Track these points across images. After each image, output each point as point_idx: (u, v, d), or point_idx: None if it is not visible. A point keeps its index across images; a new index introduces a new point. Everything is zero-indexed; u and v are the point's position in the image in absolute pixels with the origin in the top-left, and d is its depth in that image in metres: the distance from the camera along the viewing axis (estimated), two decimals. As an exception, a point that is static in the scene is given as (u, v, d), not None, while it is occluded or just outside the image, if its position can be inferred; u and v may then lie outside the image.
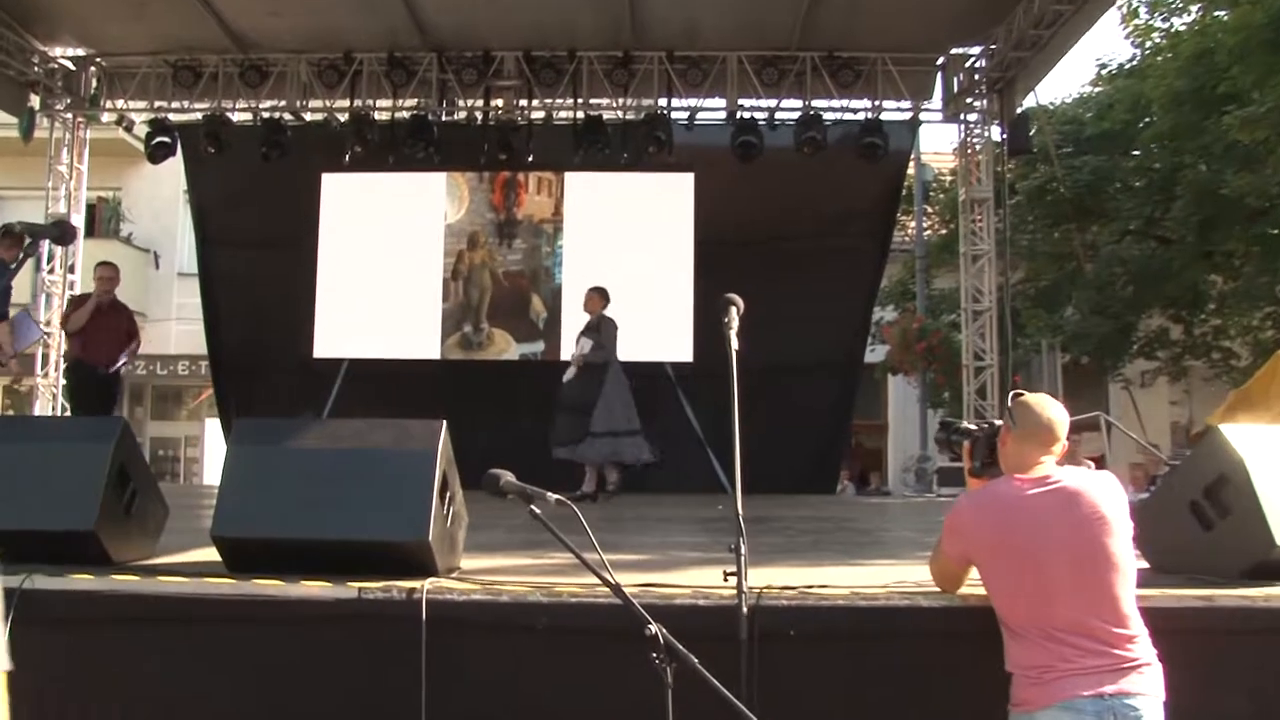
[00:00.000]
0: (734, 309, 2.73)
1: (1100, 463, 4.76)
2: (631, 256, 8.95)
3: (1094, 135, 12.13)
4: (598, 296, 7.14)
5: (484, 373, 8.82)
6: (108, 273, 7.17)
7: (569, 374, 6.91)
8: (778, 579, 2.83)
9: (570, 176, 9.14)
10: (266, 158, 8.68)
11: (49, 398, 9.37)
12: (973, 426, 2.75)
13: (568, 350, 8.91)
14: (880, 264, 9.07)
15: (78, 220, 9.48)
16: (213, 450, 15.04)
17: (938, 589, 2.71)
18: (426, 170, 8.98)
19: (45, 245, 9.00)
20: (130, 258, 15.28)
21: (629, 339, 8.97)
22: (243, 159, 8.85)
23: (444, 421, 3.03)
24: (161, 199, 15.21)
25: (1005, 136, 8.58)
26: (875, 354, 12.12)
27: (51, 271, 9.63)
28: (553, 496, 2.38)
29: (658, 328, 8.86)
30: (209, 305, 9.49)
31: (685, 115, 8.78)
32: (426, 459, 2.95)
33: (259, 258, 9.40)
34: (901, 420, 15.08)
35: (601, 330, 7.02)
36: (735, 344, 2.67)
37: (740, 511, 2.45)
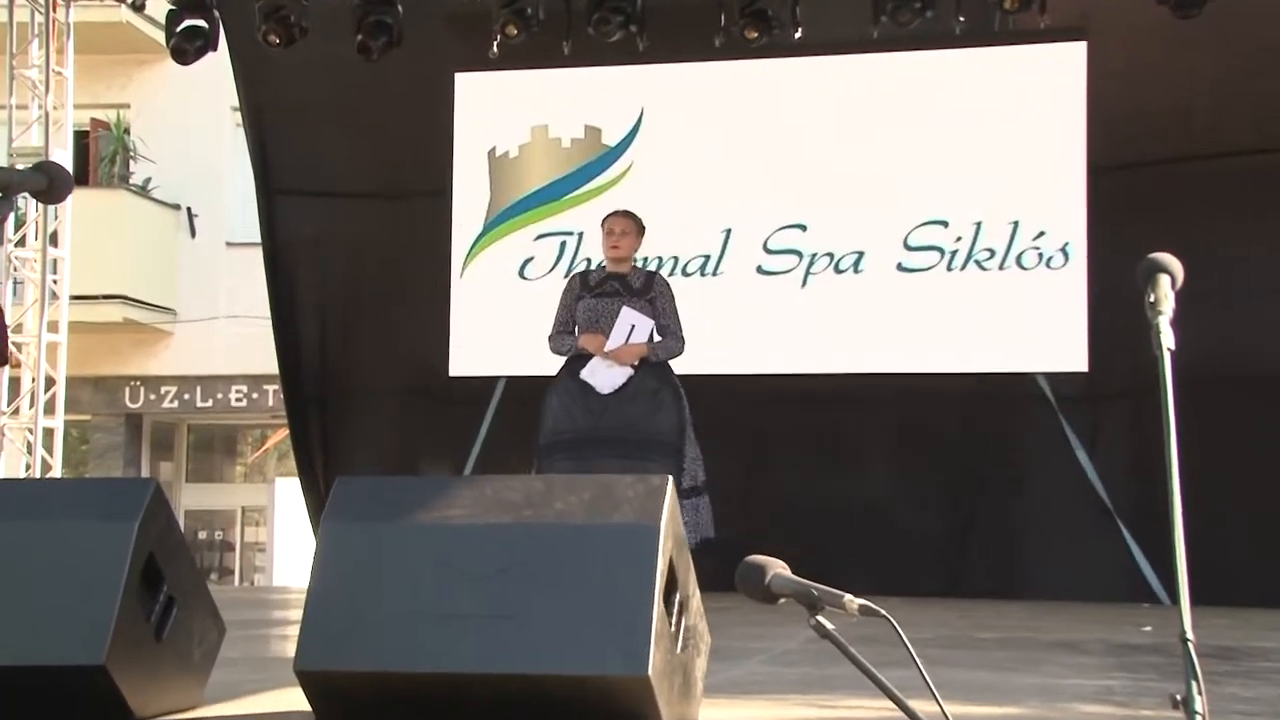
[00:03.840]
0: (1165, 279, 2.68)
1: None
2: (975, 193, 8.93)
3: None
4: (634, 228, 7.10)
5: (729, 392, 8.99)
6: None
7: (612, 377, 6.80)
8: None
9: (864, 63, 9.17)
10: (366, 51, 9.15)
11: (21, 447, 10.05)
12: None
13: (820, 355, 9.01)
14: None
15: (62, 158, 9.91)
16: (287, 529, 16.00)
17: None
18: (625, 62, 9.22)
19: (21, 202, 9.75)
20: (148, 217, 16.43)
21: (964, 332, 9.00)
22: (327, 54, 9.32)
23: (668, 477, 3.12)
24: (197, 123, 16.24)
25: None
26: None
27: (22, 244, 10.31)
28: (855, 601, 2.41)
29: (1021, 313, 8.79)
30: (280, 293, 10.07)
31: (1069, -59, 8.66)
32: (643, 540, 3.04)
33: (357, 215, 9.94)
34: None
35: (657, 296, 6.97)
36: (1170, 341, 2.62)
37: (1190, 636, 2.40)
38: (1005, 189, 8.89)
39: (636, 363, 6.80)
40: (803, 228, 9.13)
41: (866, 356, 8.99)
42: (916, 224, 8.98)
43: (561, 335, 6.96)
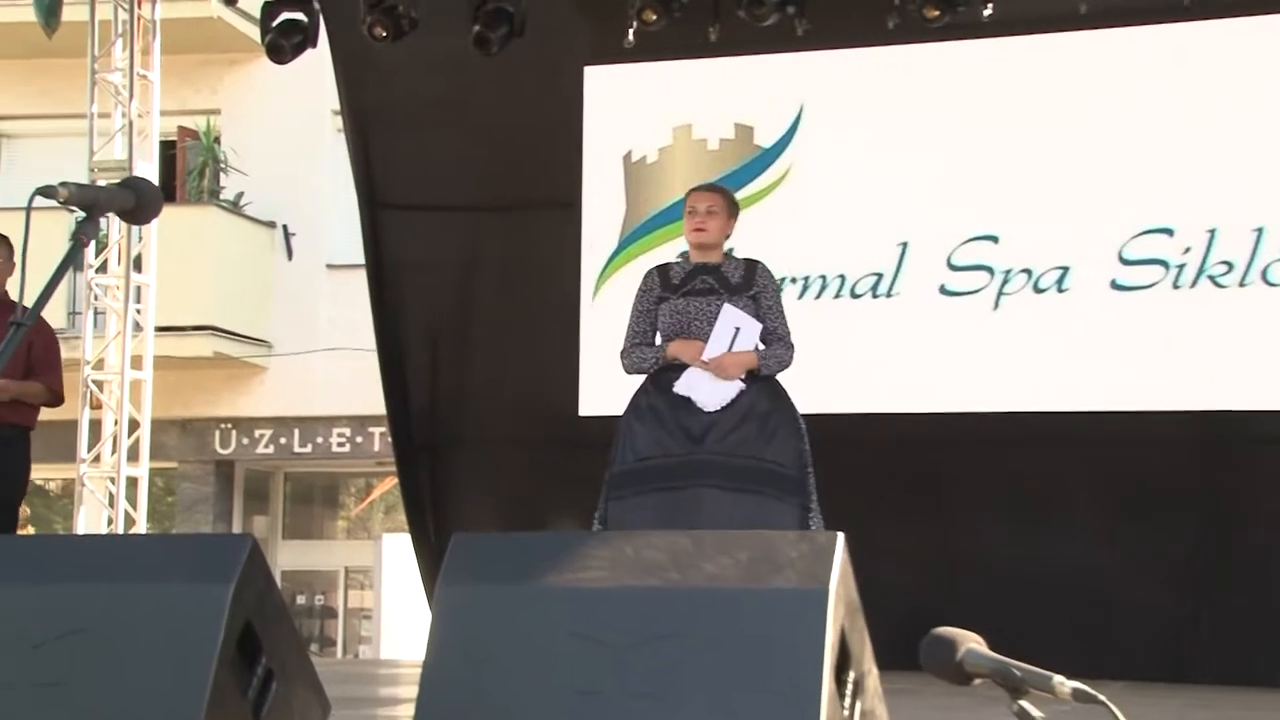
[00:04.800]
0: None
1: None
2: (1208, 194, 8.75)
3: None
4: (724, 205, 6.49)
5: (907, 434, 8.95)
6: None
7: (719, 390, 6.17)
8: None
9: (1069, 43, 9.05)
10: (484, 44, 9.22)
11: (102, 498, 10.34)
12: None
13: (1016, 390, 8.90)
14: None
15: (147, 171, 10.29)
16: (397, 593, 16.10)
17: None
18: (781, 49, 9.23)
19: (107, 223, 10.09)
20: (240, 237, 16.75)
21: (1195, 363, 8.81)
22: (440, 49, 9.45)
23: (838, 535, 3.10)
24: (294, 130, 16.61)
25: None
26: None
27: (103, 270, 10.65)
28: (1067, 684, 2.36)
29: (1269, 339, 8.62)
30: (387, 322, 10.20)
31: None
32: (810, 608, 3.01)
33: (474, 231, 10.05)
34: None
35: (761, 293, 6.35)
36: None
37: None
38: (1246, 189, 8.67)
39: (744, 377, 6.16)
40: (994, 240, 9.03)
41: (1073, 392, 8.82)
42: (1135, 233, 8.82)
43: (639, 348, 6.39)
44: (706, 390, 6.14)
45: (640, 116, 9.70)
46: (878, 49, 9.25)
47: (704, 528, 5.62)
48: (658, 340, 6.38)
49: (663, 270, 6.53)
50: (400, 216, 10.19)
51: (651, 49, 9.17)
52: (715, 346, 6.15)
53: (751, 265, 6.46)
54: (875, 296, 9.11)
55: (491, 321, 9.95)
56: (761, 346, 6.26)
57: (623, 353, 6.47)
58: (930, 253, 9.07)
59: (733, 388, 6.14)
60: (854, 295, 9.10)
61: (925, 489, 8.93)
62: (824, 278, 9.02)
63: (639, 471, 6.20)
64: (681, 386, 6.17)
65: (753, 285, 6.34)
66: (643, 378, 6.40)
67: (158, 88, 10.61)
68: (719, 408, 6.14)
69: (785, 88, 9.44)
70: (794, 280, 9.10)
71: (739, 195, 9.10)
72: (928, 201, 9.11)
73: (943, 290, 9.06)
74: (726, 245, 6.50)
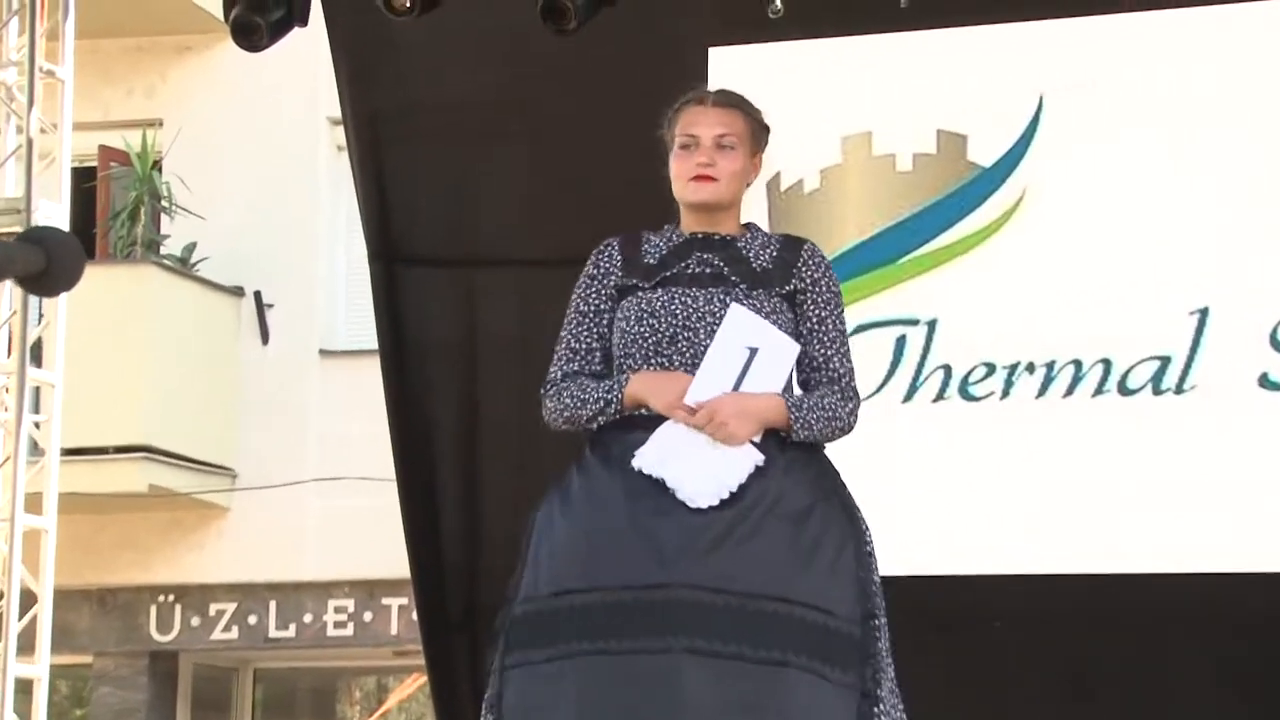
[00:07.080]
0: None
1: None
2: None
3: None
4: (744, 127, 5.85)
5: (1210, 603, 8.80)
6: None
7: (714, 471, 5.06)
8: None
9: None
10: (558, 18, 9.17)
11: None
12: None
13: None
14: None
15: (54, 215, 10.49)
16: None
17: None
18: (1006, 18, 9.31)
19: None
20: (192, 310, 16.97)
21: None
22: (490, 28, 9.64)
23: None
24: (270, 150, 16.85)
25: None
26: None
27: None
28: None
29: None
30: (409, 435, 10.24)
31: None
32: None
33: (540, 295, 9.86)
34: None
35: (809, 291, 5.46)
36: None
37: None
38: None
39: (758, 439, 5.14)
40: (1347, 304, 8.97)
41: None
42: None
43: (576, 381, 5.49)
44: (695, 467, 5.12)
45: (794, 122, 9.57)
46: (1158, 14, 9.26)
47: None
48: (620, 365, 5.46)
49: (629, 243, 5.72)
50: (428, 276, 10.26)
51: (809, 20, 9.24)
52: (710, 380, 5.19)
53: (794, 244, 5.68)
54: (1159, 392, 8.99)
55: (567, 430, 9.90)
56: (798, 391, 5.41)
57: (548, 388, 5.58)
58: (1244, 324, 8.96)
59: (741, 464, 5.13)
60: (1125, 391, 9.00)
61: (1249, 686, 8.78)
62: (1078, 363, 8.93)
63: (553, 615, 5.41)
64: (649, 458, 5.18)
65: (791, 277, 5.49)
66: (586, 436, 5.49)
67: (70, 89, 10.72)
68: (716, 502, 5.09)
69: (1015, 75, 9.45)
70: (1030, 369, 9.07)
71: (946, 237, 9.21)
72: (1239, 246, 9.01)
73: (1264, 382, 8.95)
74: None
